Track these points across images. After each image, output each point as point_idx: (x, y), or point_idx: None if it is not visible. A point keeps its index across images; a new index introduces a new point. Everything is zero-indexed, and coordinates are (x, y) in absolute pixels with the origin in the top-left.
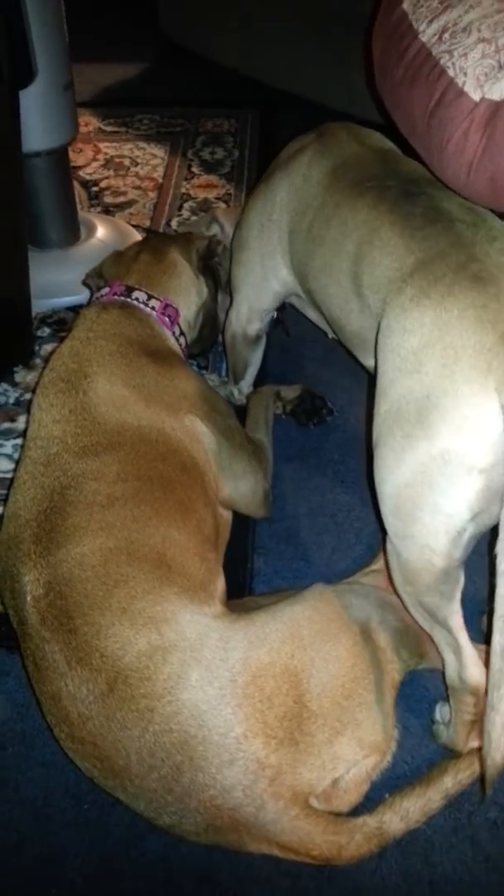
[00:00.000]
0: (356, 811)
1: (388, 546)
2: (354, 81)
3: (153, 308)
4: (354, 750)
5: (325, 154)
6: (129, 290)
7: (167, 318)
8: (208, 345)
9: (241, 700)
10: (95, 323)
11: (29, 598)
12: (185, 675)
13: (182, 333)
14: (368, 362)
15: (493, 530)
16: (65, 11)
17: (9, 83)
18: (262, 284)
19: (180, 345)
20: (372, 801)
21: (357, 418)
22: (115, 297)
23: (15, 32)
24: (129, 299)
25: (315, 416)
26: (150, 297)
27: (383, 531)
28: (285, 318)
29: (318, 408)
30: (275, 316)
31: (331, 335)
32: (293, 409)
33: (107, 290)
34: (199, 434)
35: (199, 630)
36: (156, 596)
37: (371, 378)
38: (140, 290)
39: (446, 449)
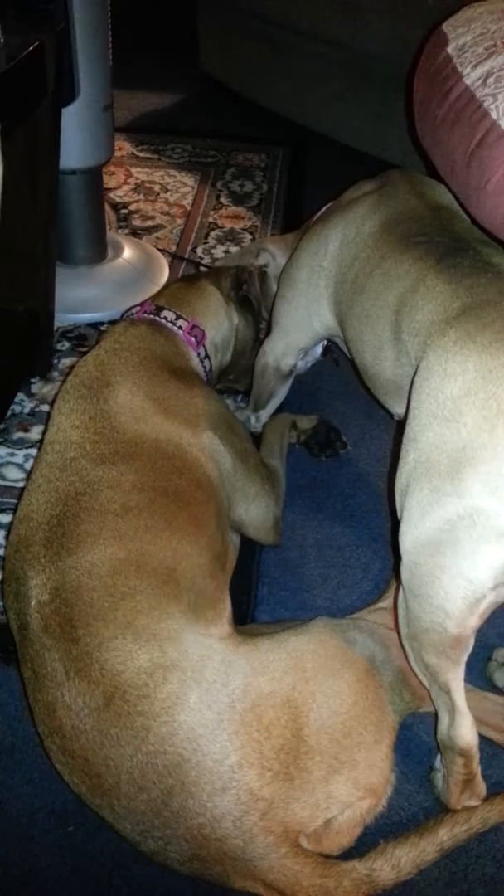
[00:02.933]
0: (346, 856)
1: (401, 596)
2: (388, 129)
3: (180, 328)
4: (350, 791)
5: (381, 207)
6: (159, 310)
7: (193, 339)
8: (249, 380)
9: (238, 727)
10: (123, 336)
11: (34, 603)
12: (184, 696)
13: (207, 356)
14: (399, 410)
15: None
16: (111, 37)
17: (52, 100)
18: (303, 323)
19: (204, 367)
20: (363, 845)
21: (370, 454)
22: (145, 314)
23: (62, 50)
24: (157, 317)
25: (328, 449)
26: (178, 317)
27: (395, 571)
28: (335, 349)
29: (332, 440)
30: (326, 344)
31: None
32: (307, 440)
33: (137, 308)
34: (215, 453)
35: (202, 651)
36: (161, 612)
37: (400, 425)
38: (169, 309)
39: (477, 509)
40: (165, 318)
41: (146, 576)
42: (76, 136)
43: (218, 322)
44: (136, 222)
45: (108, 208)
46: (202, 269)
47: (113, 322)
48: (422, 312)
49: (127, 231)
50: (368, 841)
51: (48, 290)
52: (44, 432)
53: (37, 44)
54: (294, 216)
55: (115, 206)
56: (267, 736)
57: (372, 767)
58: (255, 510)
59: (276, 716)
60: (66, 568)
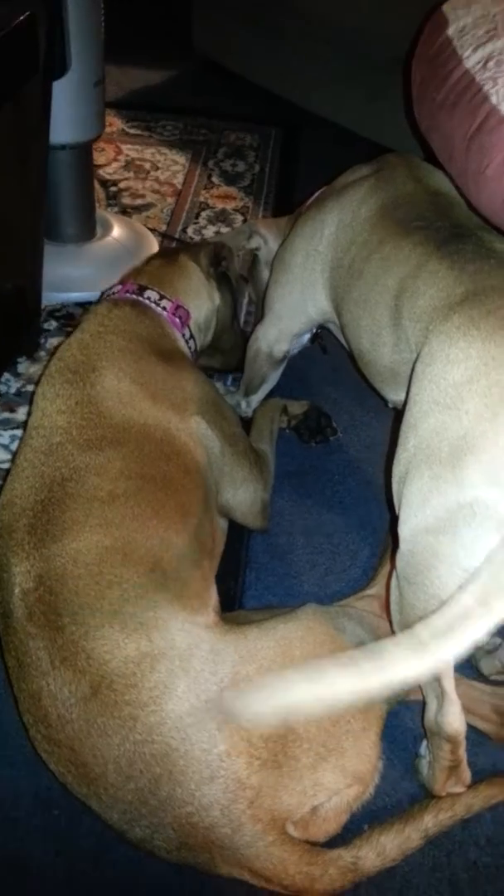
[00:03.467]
0: (333, 842)
1: (393, 583)
2: (385, 111)
3: (164, 308)
4: (338, 778)
5: (378, 191)
6: (142, 289)
7: (178, 320)
8: (233, 361)
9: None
10: (106, 318)
11: (17, 591)
12: (172, 685)
13: (192, 336)
14: (394, 397)
15: None
16: (104, 11)
17: (43, 73)
18: (298, 308)
19: (189, 348)
20: (349, 832)
21: (360, 441)
22: (128, 294)
23: (54, 23)
24: (140, 298)
25: (318, 435)
26: (161, 297)
27: (382, 557)
28: (323, 336)
29: (322, 426)
30: (315, 331)
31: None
32: (297, 425)
33: (119, 287)
34: (203, 437)
35: (190, 640)
36: (148, 601)
37: (397, 414)
38: (152, 289)
39: (476, 499)
40: (149, 298)
41: (133, 564)
42: (66, 111)
43: (201, 301)
44: (126, 200)
45: (97, 185)
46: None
47: (94, 301)
48: (424, 298)
49: (116, 209)
50: (354, 827)
51: (36, 268)
52: (27, 416)
53: (28, 14)
54: (286, 197)
55: (105, 184)
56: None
57: (360, 755)
58: (242, 495)
59: None
60: (51, 555)
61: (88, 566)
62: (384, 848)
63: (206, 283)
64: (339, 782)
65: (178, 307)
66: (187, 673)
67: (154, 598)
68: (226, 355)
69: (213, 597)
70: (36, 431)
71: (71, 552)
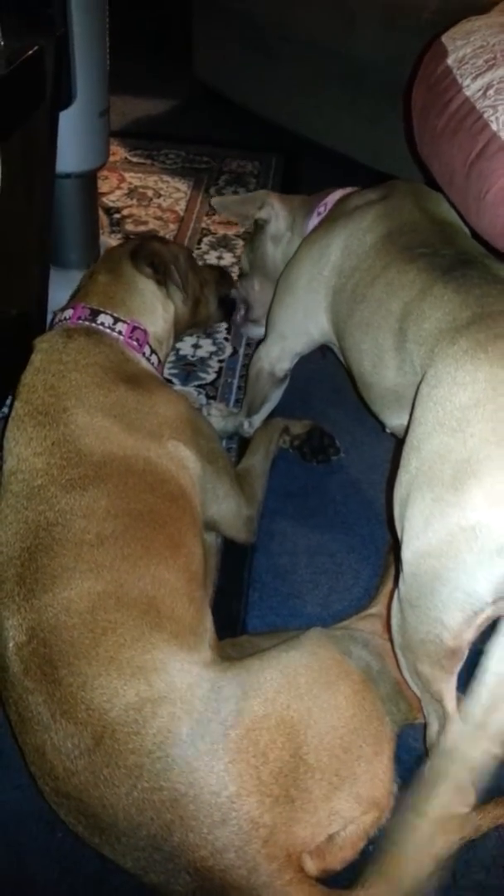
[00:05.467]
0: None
1: (395, 605)
2: (382, 138)
3: (120, 332)
4: (352, 806)
5: (384, 219)
6: (94, 314)
7: (135, 342)
8: (216, 317)
9: (234, 756)
10: (64, 353)
11: (11, 645)
12: (176, 729)
13: (153, 352)
14: (394, 422)
15: (495, 622)
16: (108, 44)
17: (50, 104)
18: (300, 329)
19: (152, 363)
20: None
21: (362, 461)
22: (80, 321)
23: (60, 56)
24: (94, 324)
25: (320, 454)
26: (116, 320)
27: (383, 577)
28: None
29: (325, 446)
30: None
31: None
32: (300, 445)
33: (70, 311)
34: (183, 459)
35: (190, 680)
36: (144, 643)
37: (398, 440)
38: (105, 313)
39: (479, 522)
40: (103, 323)
41: (126, 607)
42: (72, 141)
43: (156, 315)
44: (129, 227)
45: (101, 213)
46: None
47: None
48: (429, 321)
49: (120, 235)
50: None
51: (41, 292)
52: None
53: (36, 49)
54: None
55: (109, 211)
56: (264, 761)
57: (374, 780)
58: (225, 509)
59: (272, 738)
60: (43, 606)
61: (81, 614)
62: (400, 881)
63: (158, 292)
64: (354, 810)
65: (134, 328)
66: (190, 715)
67: (150, 640)
68: (204, 324)
69: (209, 628)
70: (14, 477)
71: (62, 601)
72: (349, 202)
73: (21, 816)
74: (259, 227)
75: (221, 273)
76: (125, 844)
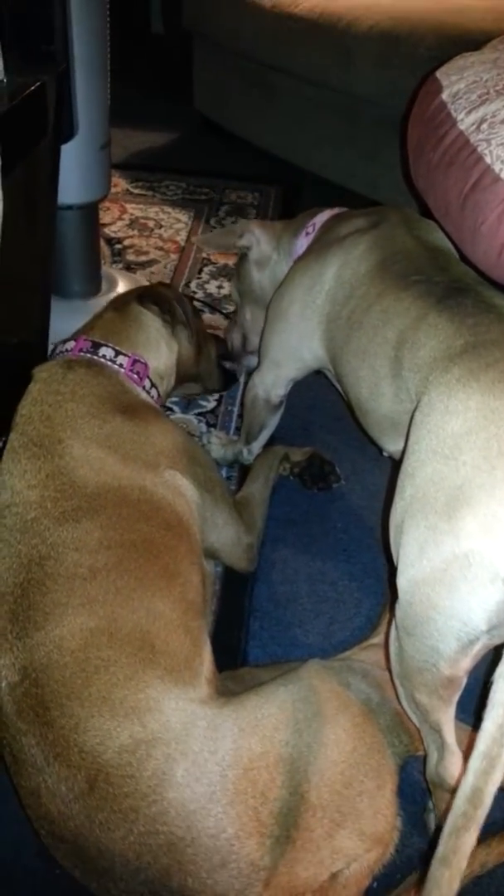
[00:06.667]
0: None
1: (393, 634)
2: (379, 170)
3: (121, 365)
4: (356, 843)
5: (377, 247)
6: (96, 346)
7: (136, 375)
8: (214, 383)
9: (232, 797)
10: (62, 384)
11: (4, 685)
12: (171, 771)
13: (153, 386)
14: (391, 447)
15: (497, 649)
16: (109, 78)
17: (52, 137)
18: (294, 355)
19: (152, 396)
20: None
21: (363, 488)
22: (81, 353)
23: (62, 91)
24: (95, 356)
25: (321, 481)
26: (117, 353)
27: (385, 606)
28: None
29: (325, 473)
30: None
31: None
32: (301, 472)
33: (72, 343)
34: (180, 488)
35: (185, 719)
36: (138, 682)
37: (395, 463)
38: (107, 345)
39: (472, 550)
40: (104, 356)
41: (119, 644)
42: (74, 173)
43: (159, 351)
44: (131, 257)
45: (102, 243)
46: (195, 303)
47: (48, 359)
48: (424, 349)
49: (121, 265)
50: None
51: (43, 322)
52: None
53: (38, 84)
54: None
55: (110, 241)
56: (263, 801)
57: (376, 816)
58: (224, 537)
59: (271, 777)
60: (35, 644)
61: (73, 653)
62: None
63: (163, 330)
64: (357, 847)
65: (135, 362)
66: (185, 756)
67: (144, 678)
68: (205, 380)
69: (207, 661)
70: (8, 510)
71: (55, 639)
72: (339, 228)
73: (20, 850)
74: (243, 255)
75: (216, 337)
76: (123, 889)
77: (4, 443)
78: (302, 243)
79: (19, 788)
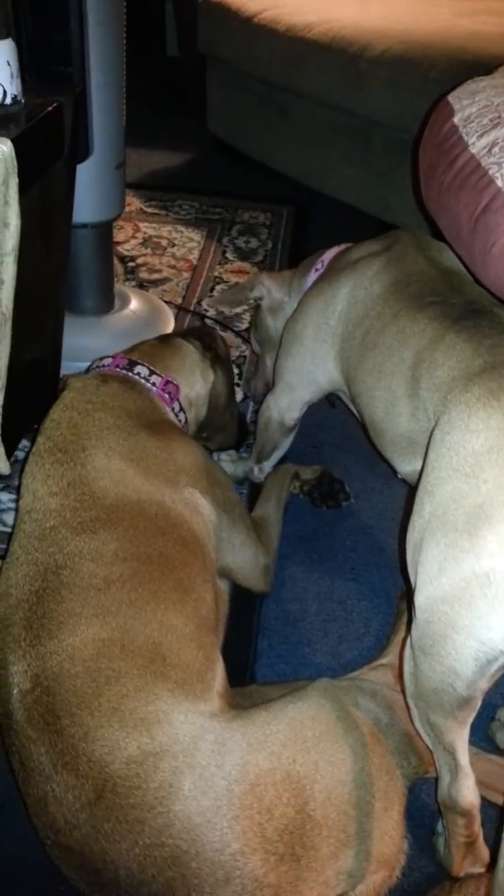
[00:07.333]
0: None
1: (408, 653)
2: (390, 191)
3: (154, 384)
4: (361, 864)
5: (390, 269)
6: (132, 364)
7: (167, 395)
8: (230, 439)
9: (237, 812)
10: (94, 395)
11: (16, 692)
12: (178, 783)
13: (182, 410)
14: (406, 468)
15: None
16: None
17: (68, 157)
18: (309, 378)
19: (179, 420)
20: None
21: (372, 507)
22: (117, 369)
23: (78, 111)
24: (130, 373)
25: (331, 500)
26: (151, 372)
27: (394, 626)
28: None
29: (335, 491)
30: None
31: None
32: (310, 490)
33: (109, 360)
34: (199, 506)
35: (194, 732)
36: (148, 694)
37: (410, 486)
38: (143, 364)
39: (493, 569)
40: (139, 373)
41: (131, 655)
42: (89, 192)
43: (193, 378)
44: (143, 275)
45: (116, 261)
46: (206, 321)
47: (83, 372)
48: (442, 369)
49: (134, 283)
50: None
51: (56, 338)
52: (16, 499)
53: (55, 105)
54: None
55: (123, 259)
56: (269, 817)
57: (383, 837)
58: (241, 559)
59: (277, 794)
60: (48, 653)
61: (85, 662)
62: None
63: (200, 363)
64: (363, 869)
65: (167, 382)
66: (193, 769)
67: (154, 691)
68: (222, 434)
69: (219, 675)
70: (28, 516)
71: (67, 649)
72: (350, 254)
73: (24, 867)
74: (258, 307)
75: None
76: None
77: (28, 450)
78: (311, 278)
79: (26, 796)
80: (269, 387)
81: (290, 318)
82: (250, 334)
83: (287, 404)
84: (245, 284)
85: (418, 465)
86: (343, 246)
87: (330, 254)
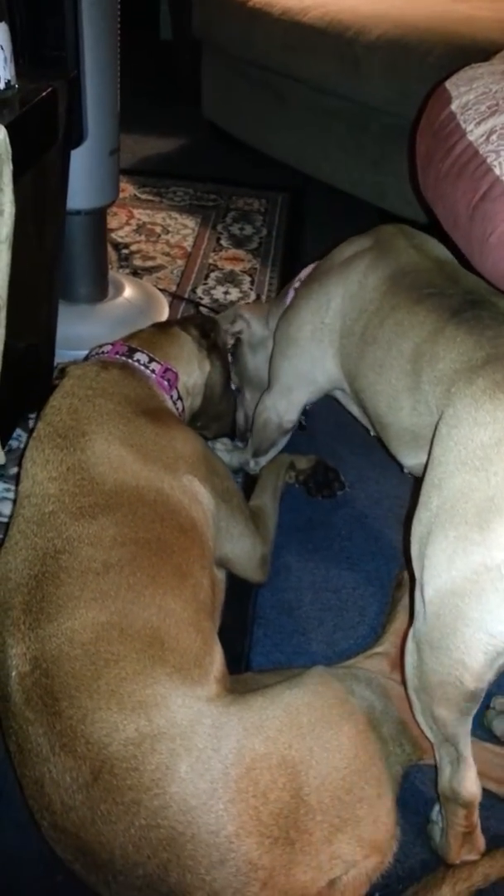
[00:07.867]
0: None
1: (411, 646)
2: (386, 178)
3: (153, 371)
4: (354, 849)
5: (382, 262)
6: (132, 351)
7: (166, 382)
8: (226, 427)
9: (233, 795)
10: (94, 381)
11: (14, 674)
12: (174, 766)
13: (180, 398)
14: (411, 461)
15: None
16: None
17: (62, 143)
18: (307, 379)
19: (177, 408)
20: None
21: (367, 496)
22: (117, 355)
23: (73, 97)
24: (130, 360)
25: (326, 489)
26: (151, 359)
27: (389, 615)
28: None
29: (330, 480)
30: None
31: (372, 433)
32: (305, 479)
33: (108, 347)
34: (197, 494)
35: (191, 716)
36: (146, 677)
37: (416, 481)
38: (142, 352)
39: None
40: (138, 360)
41: (129, 639)
42: (83, 178)
43: (191, 367)
44: (138, 262)
45: (110, 248)
46: (200, 309)
47: (82, 359)
48: (444, 361)
49: (128, 271)
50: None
51: (50, 326)
52: (16, 484)
53: (49, 90)
54: (292, 260)
55: (117, 246)
56: (264, 801)
57: (376, 823)
58: (239, 548)
59: (272, 778)
60: (46, 636)
61: (84, 645)
62: None
63: (197, 352)
64: (356, 854)
65: (166, 370)
66: (189, 752)
67: (152, 674)
68: (219, 421)
69: (217, 660)
70: (28, 500)
71: (66, 632)
72: (335, 257)
73: (22, 855)
74: (238, 342)
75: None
76: (122, 883)
77: (28, 435)
78: (289, 298)
79: (22, 778)
80: (247, 419)
81: (283, 320)
82: (231, 368)
83: (286, 407)
84: (226, 315)
85: (423, 459)
86: (312, 265)
87: (305, 271)
